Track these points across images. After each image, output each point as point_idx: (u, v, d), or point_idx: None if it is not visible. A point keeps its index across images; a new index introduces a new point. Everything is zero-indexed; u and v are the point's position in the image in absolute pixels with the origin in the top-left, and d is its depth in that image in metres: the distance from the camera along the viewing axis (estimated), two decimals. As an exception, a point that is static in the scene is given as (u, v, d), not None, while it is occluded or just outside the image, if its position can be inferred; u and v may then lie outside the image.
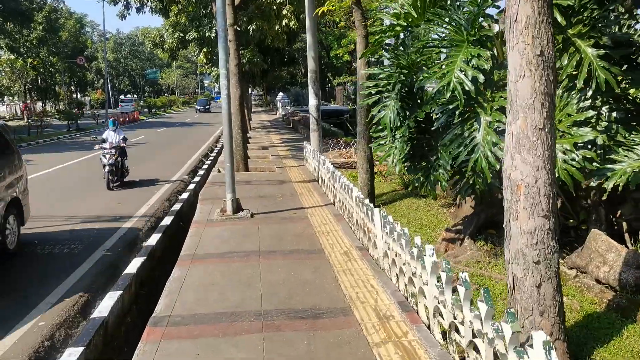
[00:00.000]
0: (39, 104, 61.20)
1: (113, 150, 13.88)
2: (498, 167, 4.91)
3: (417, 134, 6.02)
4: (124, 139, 14.61)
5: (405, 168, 6.11)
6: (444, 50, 5.42)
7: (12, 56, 48.64)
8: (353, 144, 18.33)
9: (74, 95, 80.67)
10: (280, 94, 55.20)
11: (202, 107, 68.83)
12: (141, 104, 76.24)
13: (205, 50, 21.55)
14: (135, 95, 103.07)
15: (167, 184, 15.06)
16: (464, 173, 5.52)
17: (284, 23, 16.12)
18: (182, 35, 20.52)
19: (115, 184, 14.16)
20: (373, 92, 6.82)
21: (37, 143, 29.28)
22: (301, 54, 35.06)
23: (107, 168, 13.77)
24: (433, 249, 4.36)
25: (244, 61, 19.13)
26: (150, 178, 15.85)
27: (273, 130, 31.11)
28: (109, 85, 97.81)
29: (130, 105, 69.57)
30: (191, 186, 14.18)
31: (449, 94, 4.90)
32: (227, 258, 6.81)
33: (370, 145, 10.27)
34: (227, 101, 8.94)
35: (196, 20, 20.75)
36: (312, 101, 14.83)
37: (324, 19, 38.99)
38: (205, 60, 22.08)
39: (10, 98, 56.80)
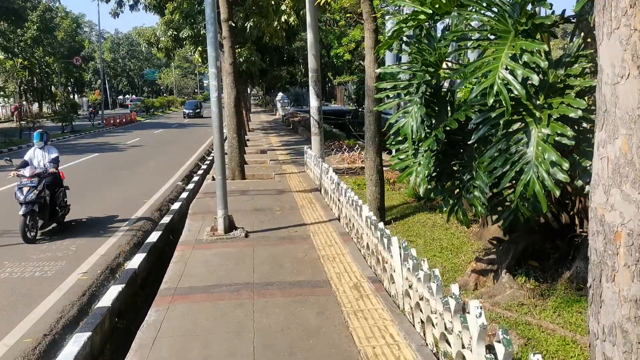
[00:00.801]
0: (35, 105, 60.15)
1: (35, 181, 9.02)
2: (558, 193, 3.81)
3: (446, 148, 4.91)
4: (54, 161, 9.61)
5: (430, 188, 4.99)
6: (483, 43, 4.31)
7: (1, 56, 47.50)
8: (357, 149, 17.26)
9: (71, 96, 79.66)
10: (280, 94, 54.09)
11: (191, 112, 57.27)
12: (138, 104, 75.00)
13: (200, 49, 20.46)
14: (133, 96, 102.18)
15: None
16: (505, 197, 4.44)
17: (282, 19, 15.01)
18: (175, 33, 19.41)
19: (42, 230, 9.41)
20: (391, 96, 5.72)
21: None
22: (301, 53, 33.95)
23: (23, 209, 8.79)
24: (480, 308, 3.26)
25: (241, 60, 18.05)
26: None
27: (272, 132, 30.04)
28: (106, 85, 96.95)
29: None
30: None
31: (491, 99, 3.81)
32: (215, 293, 5.71)
33: (379, 153, 9.18)
34: (218, 105, 7.84)
35: (190, 17, 19.65)
36: (314, 102, 13.74)
37: (324, 16, 37.90)
38: (200, 60, 20.97)
39: (6, 99, 55.71)
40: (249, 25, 16.15)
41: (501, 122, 4.05)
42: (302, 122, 30.78)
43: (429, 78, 4.85)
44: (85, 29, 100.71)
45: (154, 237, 9.07)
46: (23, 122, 34.26)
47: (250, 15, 15.94)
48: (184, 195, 12.93)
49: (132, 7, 21.99)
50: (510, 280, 4.96)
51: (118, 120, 47.40)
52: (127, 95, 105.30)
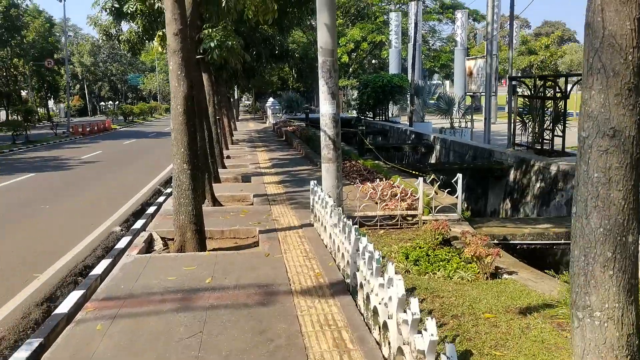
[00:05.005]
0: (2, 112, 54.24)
1: None
2: None
3: None
4: None
5: None
6: None
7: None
8: (381, 177, 11.59)
9: (46, 102, 73.65)
10: (271, 99, 48.32)
11: None
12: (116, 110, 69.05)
13: (160, 33, 14.65)
14: (113, 102, 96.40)
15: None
16: None
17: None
18: (116, 5, 13.62)
19: None
20: None
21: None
22: (295, 49, 28.29)
23: None
24: None
25: (212, 45, 12.32)
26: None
27: (261, 145, 24.24)
28: (85, 90, 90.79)
29: None
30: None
31: None
32: None
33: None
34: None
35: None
36: (327, 108, 8.04)
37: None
38: (161, 50, 15.20)
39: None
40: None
41: None
42: (297, 132, 25.08)
43: None
44: (69, 33, 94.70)
45: None
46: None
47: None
48: (102, 267, 7.15)
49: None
50: None
51: (88, 129, 41.55)
52: (109, 102, 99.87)
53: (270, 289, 5.43)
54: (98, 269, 7.37)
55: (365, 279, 4.62)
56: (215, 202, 10.60)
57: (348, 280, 5.45)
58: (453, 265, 6.24)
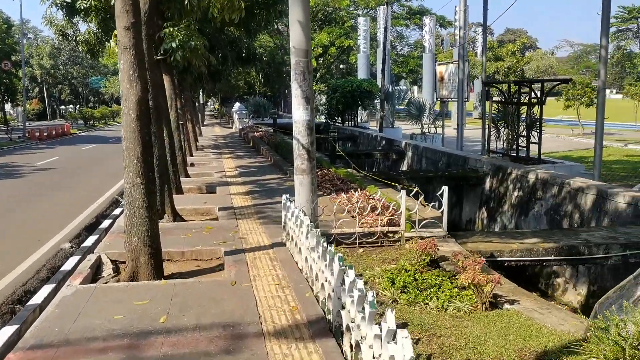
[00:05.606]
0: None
1: None
2: None
3: None
4: None
5: None
6: None
7: None
8: (355, 187, 10.88)
9: (2, 105, 70.74)
10: (237, 104, 47.17)
11: None
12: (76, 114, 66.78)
13: (116, 32, 13.56)
14: (74, 106, 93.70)
15: None
16: None
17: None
18: (67, 0, 12.48)
19: None
20: None
21: None
22: (263, 53, 27.35)
23: None
24: None
25: (174, 45, 11.35)
26: None
27: (227, 152, 23.22)
28: (44, 94, 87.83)
29: None
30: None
31: None
32: None
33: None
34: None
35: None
36: (300, 114, 7.24)
37: (286, 19, 31.50)
38: (117, 49, 14.10)
39: None
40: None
41: None
42: (264, 138, 24.16)
43: None
44: (29, 36, 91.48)
45: None
46: None
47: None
48: (43, 294, 6.15)
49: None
50: None
51: (45, 134, 39.72)
52: (70, 106, 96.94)
53: (237, 329, 4.55)
54: (38, 297, 6.38)
55: (353, 322, 3.80)
56: (176, 216, 9.64)
57: (330, 317, 4.62)
58: (446, 293, 5.49)
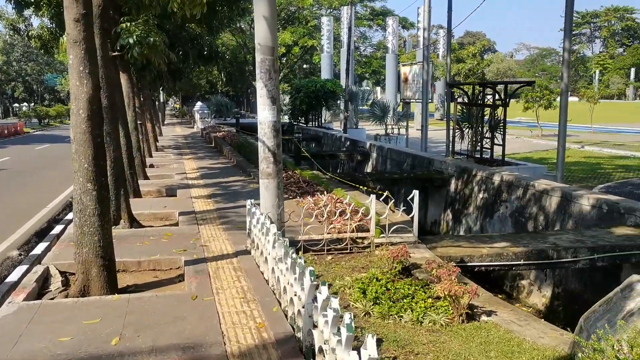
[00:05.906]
0: None
1: None
2: None
3: None
4: None
5: None
6: None
7: None
8: (320, 190, 10.56)
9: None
10: (199, 103, 46.25)
11: None
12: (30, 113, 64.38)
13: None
14: (28, 104, 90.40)
15: None
16: None
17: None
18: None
19: None
20: None
21: None
22: (225, 52, 26.74)
23: None
24: None
25: (131, 41, 10.78)
26: None
27: (188, 152, 22.56)
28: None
29: None
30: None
31: None
32: None
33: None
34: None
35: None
36: (266, 114, 6.86)
37: (246, 17, 30.87)
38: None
39: None
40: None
41: None
42: (227, 138, 23.59)
43: None
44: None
45: None
46: None
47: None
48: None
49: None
50: None
51: (-1, 132, 38.16)
52: (24, 103, 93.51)
53: (199, 352, 4.15)
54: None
55: (327, 345, 3.47)
56: (134, 222, 9.10)
57: (300, 335, 4.28)
58: (421, 305, 5.22)
